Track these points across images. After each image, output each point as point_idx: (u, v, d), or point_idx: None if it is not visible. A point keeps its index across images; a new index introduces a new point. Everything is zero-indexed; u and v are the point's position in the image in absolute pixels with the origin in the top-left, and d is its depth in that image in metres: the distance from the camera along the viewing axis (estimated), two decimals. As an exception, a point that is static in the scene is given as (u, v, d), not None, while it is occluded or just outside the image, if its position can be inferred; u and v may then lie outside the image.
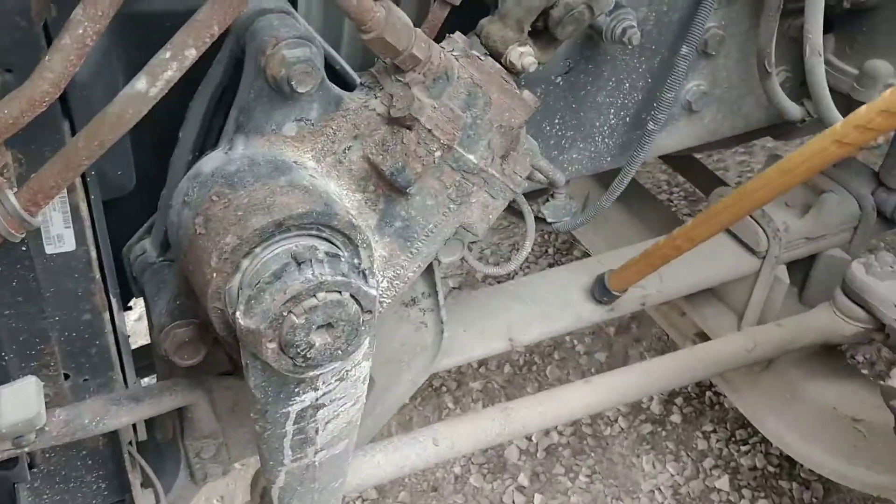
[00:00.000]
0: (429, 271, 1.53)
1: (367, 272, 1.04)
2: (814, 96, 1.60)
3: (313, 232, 1.05)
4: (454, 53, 1.17)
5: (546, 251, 3.21)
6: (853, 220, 1.99)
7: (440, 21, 1.24)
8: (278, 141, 1.13)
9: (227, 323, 1.04)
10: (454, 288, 2.95)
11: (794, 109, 1.70)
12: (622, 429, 2.62)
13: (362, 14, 1.06)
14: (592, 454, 2.56)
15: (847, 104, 1.72)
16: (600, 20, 1.43)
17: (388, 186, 1.17)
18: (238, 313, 0.97)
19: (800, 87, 1.74)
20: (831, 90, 1.63)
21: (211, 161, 1.13)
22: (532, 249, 2.92)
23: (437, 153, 1.14)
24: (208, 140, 1.23)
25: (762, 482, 2.45)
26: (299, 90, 1.07)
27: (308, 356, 0.99)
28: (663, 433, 2.62)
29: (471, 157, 1.19)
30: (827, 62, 1.67)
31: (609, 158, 1.72)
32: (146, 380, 1.72)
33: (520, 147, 1.27)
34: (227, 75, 1.17)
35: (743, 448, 2.56)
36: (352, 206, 1.16)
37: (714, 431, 2.61)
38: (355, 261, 1.05)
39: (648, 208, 2.42)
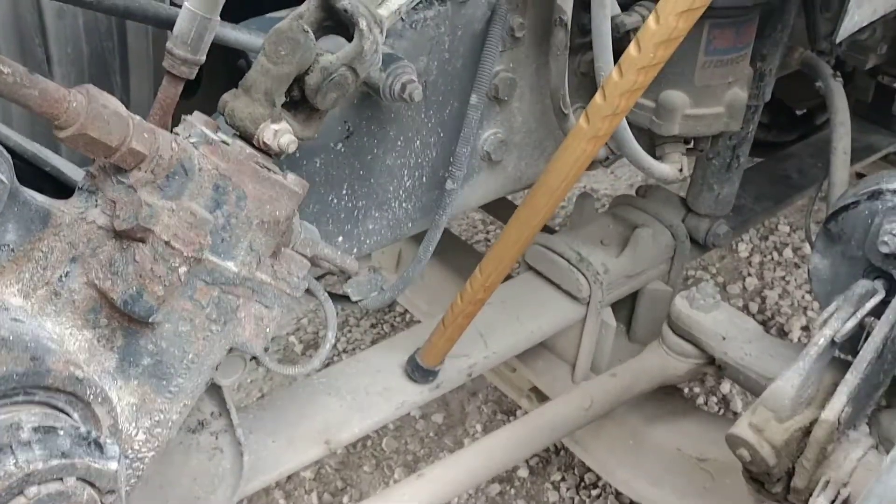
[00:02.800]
0: (215, 387, 1.28)
1: (101, 439, 0.79)
2: (614, 136, 1.49)
3: (20, 399, 0.79)
4: (191, 140, 0.94)
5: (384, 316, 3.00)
6: (669, 251, 1.94)
7: (173, 101, 1.00)
8: (-35, 280, 0.85)
9: None
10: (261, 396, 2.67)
11: (596, 149, 1.59)
12: (469, 495, 2.45)
13: (51, 106, 0.81)
14: (442, 529, 2.36)
15: (648, 138, 1.64)
16: (375, 76, 1.25)
17: (124, 317, 0.92)
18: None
19: (599, 124, 1.64)
20: (631, 125, 1.54)
21: None
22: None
23: (182, 269, 0.90)
24: None
25: (617, 527, 2.35)
26: (-21, 213, 0.81)
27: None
28: (512, 491, 2.47)
29: (228, 265, 0.96)
30: (622, 97, 1.57)
31: (410, 224, 1.54)
32: None
33: (294, 240, 1.05)
34: None
35: (593, 492, 2.45)
36: (79, 349, 0.90)
37: (563, 479, 2.49)
38: (82, 429, 0.80)
39: (466, 260, 2.27)
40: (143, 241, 0.89)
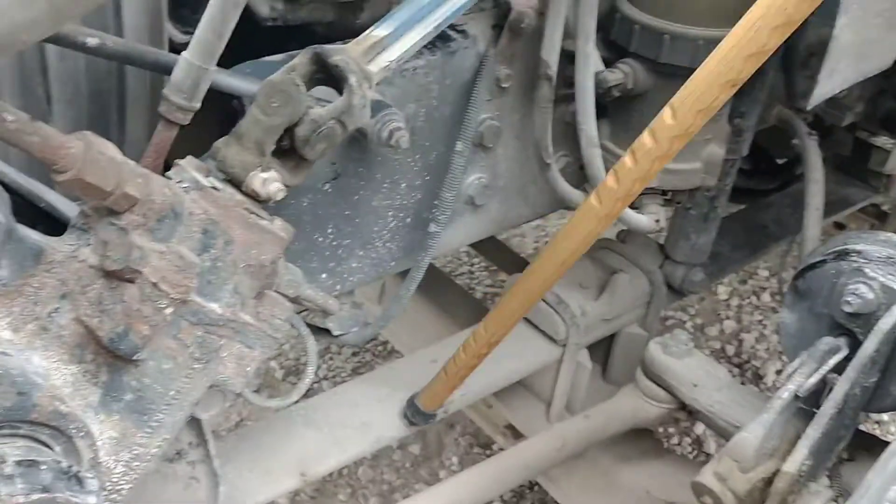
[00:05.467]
0: (194, 418, 1.31)
1: (82, 474, 0.82)
2: (594, 187, 1.54)
3: (5, 432, 0.82)
4: (183, 185, 0.98)
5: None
6: (646, 296, 1.98)
7: (167, 144, 1.05)
8: (-42, 312, 0.88)
9: None
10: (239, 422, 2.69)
11: (576, 197, 1.64)
12: (443, 527, 2.47)
13: (51, 152, 0.85)
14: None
15: (627, 189, 1.69)
16: (364, 122, 1.30)
17: (110, 354, 0.95)
18: None
19: (580, 171, 1.69)
20: (611, 176, 1.59)
21: None
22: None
23: (168, 310, 0.93)
24: None
25: (588, 565, 2.37)
26: (-26, 251, 0.84)
27: None
28: (486, 526, 2.48)
29: (213, 306, 1.00)
30: (604, 148, 1.62)
31: (393, 263, 1.58)
32: None
33: (279, 282, 1.09)
34: None
35: (566, 529, 2.48)
36: (65, 383, 0.93)
37: (536, 515, 2.52)
38: (63, 463, 0.83)
39: (449, 295, 2.31)
40: (131, 281, 0.92)
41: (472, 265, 3.32)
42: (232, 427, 2.68)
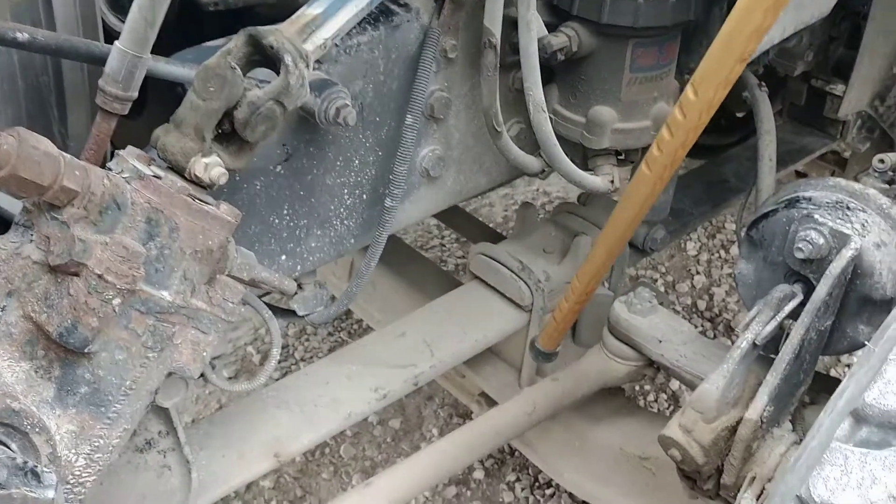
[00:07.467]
0: (163, 407, 1.31)
1: (39, 469, 0.82)
2: (545, 152, 1.55)
3: (-41, 432, 0.82)
4: (124, 175, 0.98)
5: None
6: (610, 257, 2.00)
7: (107, 136, 1.04)
8: None
9: None
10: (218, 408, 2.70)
11: (531, 163, 1.64)
12: (427, 498, 2.50)
13: (-17, 150, 0.84)
14: (400, 532, 2.41)
15: (581, 152, 1.70)
16: (310, 101, 1.30)
17: (61, 349, 0.95)
18: None
19: (534, 137, 1.69)
20: (564, 140, 1.60)
21: None
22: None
23: (116, 300, 0.94)
24: None
25: (571, 524, 2.41)
26: None
27: None
28: (468, 493, 2.52)
29: (163, 294, 1.00)
30: (554, 112, 1.63)
31: (353, 240, 1.59)
32: None
33: (230, 266, 1.09)
34: None
35: (548, 491, 2.52)
36: (17, 380, 0.94)
37: (518, 480, 2.55)
38: (19, 459, 0.83)
39: (417, 268, 2.32)
40: (77, 274, 0.92)
41: (442, 238, 3.33)
42: (218, 406, 2.69)
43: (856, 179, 1.51)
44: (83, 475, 1.00)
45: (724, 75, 1.26)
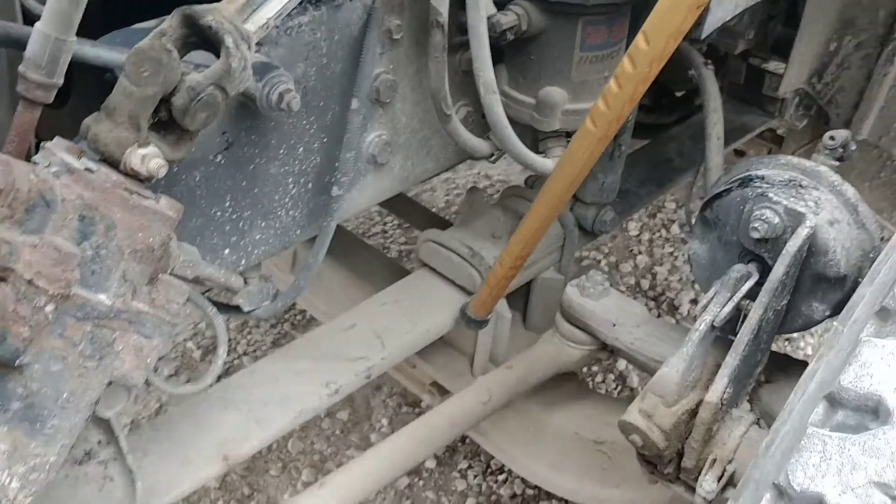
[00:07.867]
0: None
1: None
2: (497, 135, 1.51)
3: None
4: (52, 170, 0.90)
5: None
6: (559, 240, 1.97)
7: (31, 126, 0.95)
8: None
9: None
10: (160, 407, 2.60)
11: (481, 146, 1.60)
12: (379, 489, 2.45)
13: None
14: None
15: (531, 134, 1.66)
16: (251, 87, 1.22)
17: (-11, 362, 0.87)
18: None
19: (483, 120, 1.65)
20: (514, 122, 1.56)
21: None
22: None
23: (49, 307, 0.86)
24: None
25: (525, 509, 2.40)
26: None
27: None
28: (420, 483, 2.48)
29: (101, 298, 0.93)
30: (504, 94, 1.59)
31: (299, 231, 1.52)
32: None
33: (173, 264, 1.02)
34: None
35: (500, 477, 2.50)
36: (-59, 399, 0.85)
37: (470, 467, 2.53)
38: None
39: (361, 257, 2.26)
40: (3, 280, 0.84)
41: (384, 224, 3.27)
42: (152, 415, 2.59)
43: (806, 157, 1.51)
44: (18, 498, 0.92)
45: (676, 24, 1.16)
